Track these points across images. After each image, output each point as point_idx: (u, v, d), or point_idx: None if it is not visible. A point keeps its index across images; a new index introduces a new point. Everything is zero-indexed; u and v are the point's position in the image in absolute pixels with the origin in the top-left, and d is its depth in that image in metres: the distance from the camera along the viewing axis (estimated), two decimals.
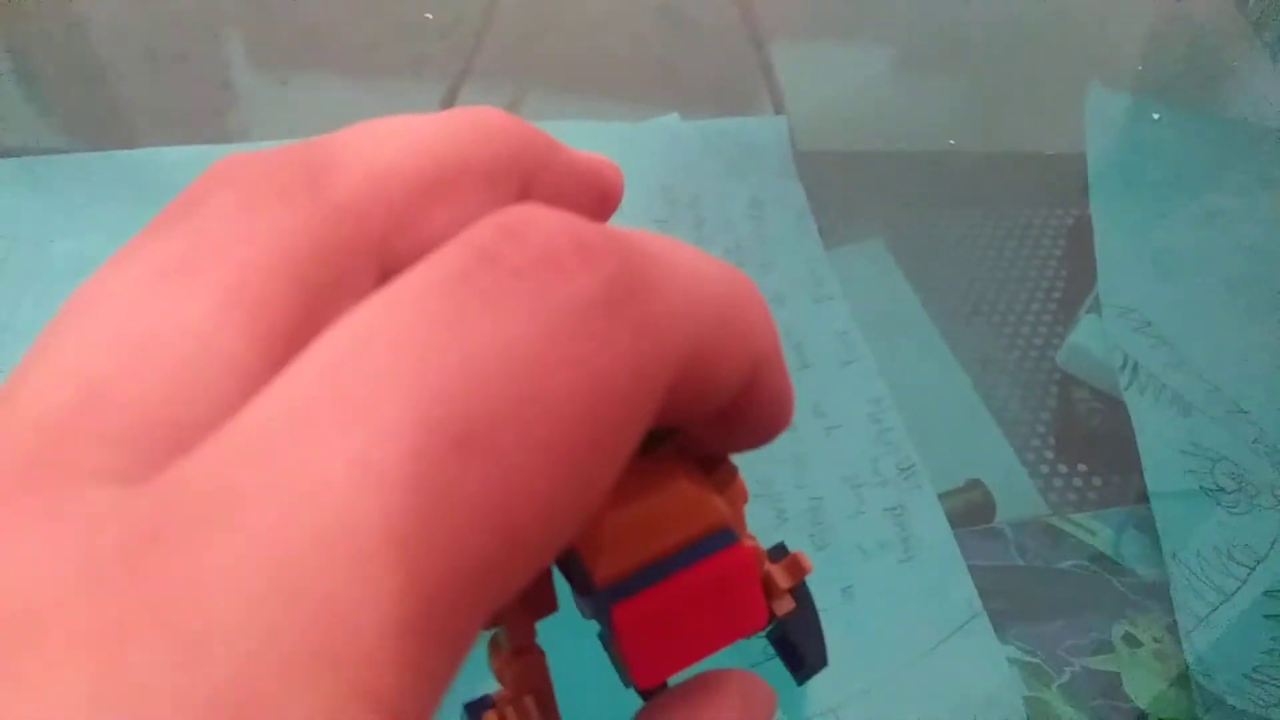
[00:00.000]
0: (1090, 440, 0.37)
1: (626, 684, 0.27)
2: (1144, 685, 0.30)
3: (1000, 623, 0.31)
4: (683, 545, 0.19)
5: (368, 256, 0.13)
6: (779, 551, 0.28)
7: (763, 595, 0.20)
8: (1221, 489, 0.34)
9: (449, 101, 0.45)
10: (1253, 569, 0.32)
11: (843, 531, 0.34)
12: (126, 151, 0.41)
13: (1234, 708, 0.29)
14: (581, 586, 0.21)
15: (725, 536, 0.19)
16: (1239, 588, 0.31)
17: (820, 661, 0.27)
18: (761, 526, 0.34)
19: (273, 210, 0.13)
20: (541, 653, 0.23)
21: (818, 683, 0.31)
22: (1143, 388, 0.37)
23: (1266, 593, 0.31)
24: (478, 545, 0.10)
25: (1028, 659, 0.30)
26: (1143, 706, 0.29)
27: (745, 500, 0.26)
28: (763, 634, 0.28)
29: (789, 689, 0.30)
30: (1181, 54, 0.48)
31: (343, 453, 0.10)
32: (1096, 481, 0.36)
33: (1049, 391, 0.38)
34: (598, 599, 0.19)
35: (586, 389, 0.11)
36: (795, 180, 0.43)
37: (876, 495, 0.34)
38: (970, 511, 0.35)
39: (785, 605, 0.26)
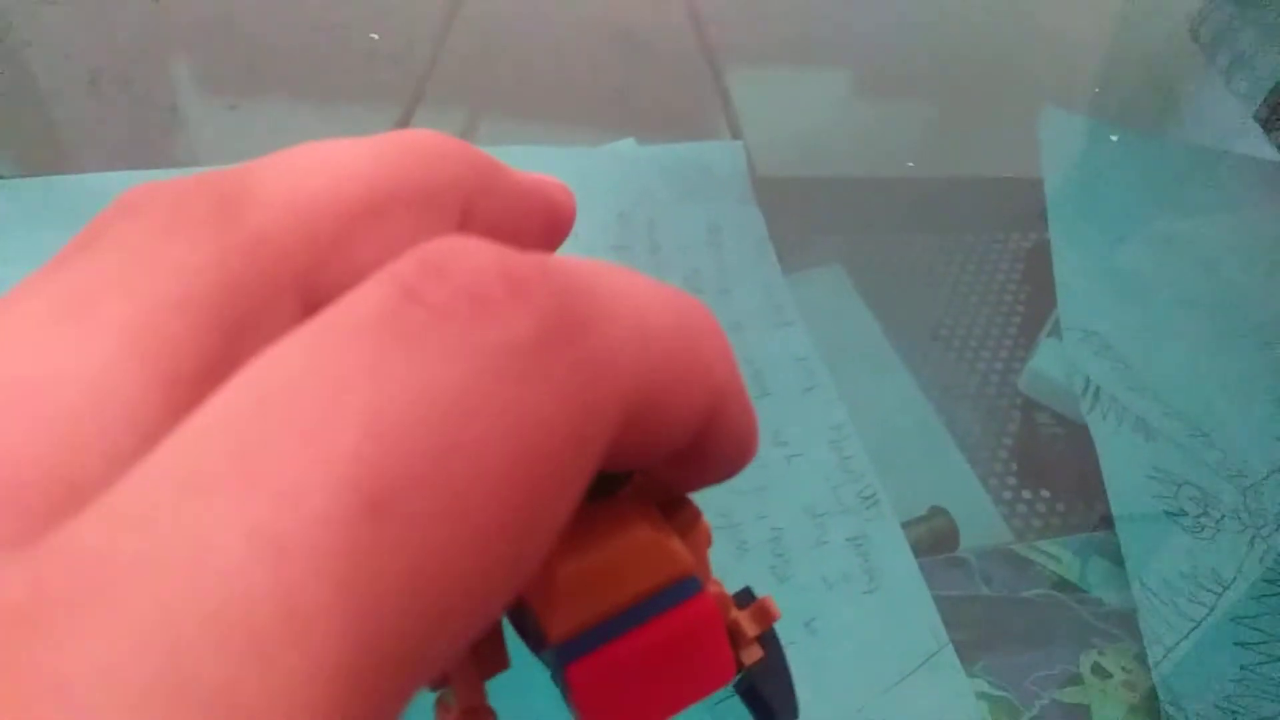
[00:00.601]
0: (1053, 465, 0.36)
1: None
2: (1113, 717, 0.29)
3: (967, 654, 0.30)
4: (643, 597, 0.18)
5: (286, 292, 0.12)
6: (745, 597, 0.27)
7: (729, 646, 0.19)
8: (1186, 513, 0.33)
9: (403, 125, 0.45)
10: (1220, 594, 0.31)
11: (805, 563, 0.33)
12: (66, 177, 0.40)
13: None
14: (534, 642, 0.20)
15: (688, 587, 0.18)
16: (1207, 615, 0.31)
17: (791, 713, 0.26)
18: (723, 559, 0.33)
19: (180, 243, 0.12)
20: (492, 713, 0.22)
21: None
22: (1105, 412, 0.36)
23: (1234, 619, 0.31)
24: (396, 621, 0.09)
25: (996, 692, 0.30)
26: None
27: (709, 544, 0.25)
28: (728, 685, 0.27)
29: None
30: (1136, 77, 0.49)
31: (239, 520, 0.09)
32: (1060, 507, 0.35)
33: (1011, 417, 0.38)
34: (552, 657, 0.18)
35: (516, 439, 0.10)
36: (753, 205, 0.42)
37: (839, 524, 0.34)
38: (934, 539, 0.34)
39: (753, 654, 0.25)
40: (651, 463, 0.15)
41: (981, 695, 0.30)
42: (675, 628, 0.18)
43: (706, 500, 0.34)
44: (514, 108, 0.47)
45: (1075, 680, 0.30)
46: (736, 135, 0.46)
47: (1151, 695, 0.29)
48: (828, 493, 0.34)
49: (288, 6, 0.49)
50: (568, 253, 0.41)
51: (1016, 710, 0.29)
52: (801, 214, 0.44)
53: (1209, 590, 0.32)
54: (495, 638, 0.21)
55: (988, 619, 0.31)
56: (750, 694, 0.26)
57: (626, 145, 0.44)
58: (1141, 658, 0.30)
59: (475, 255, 0.11)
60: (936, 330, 0.41)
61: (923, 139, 0.48)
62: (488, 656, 0.21)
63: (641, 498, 0.19)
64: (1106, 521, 0.34)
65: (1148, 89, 0.48)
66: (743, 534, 0.33)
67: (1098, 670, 0.30)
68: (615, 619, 0.18)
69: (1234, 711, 0.29)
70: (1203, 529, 0.33)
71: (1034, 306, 0.41)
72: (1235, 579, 0.32)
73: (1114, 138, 0.45)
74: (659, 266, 0.40)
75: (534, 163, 0.42)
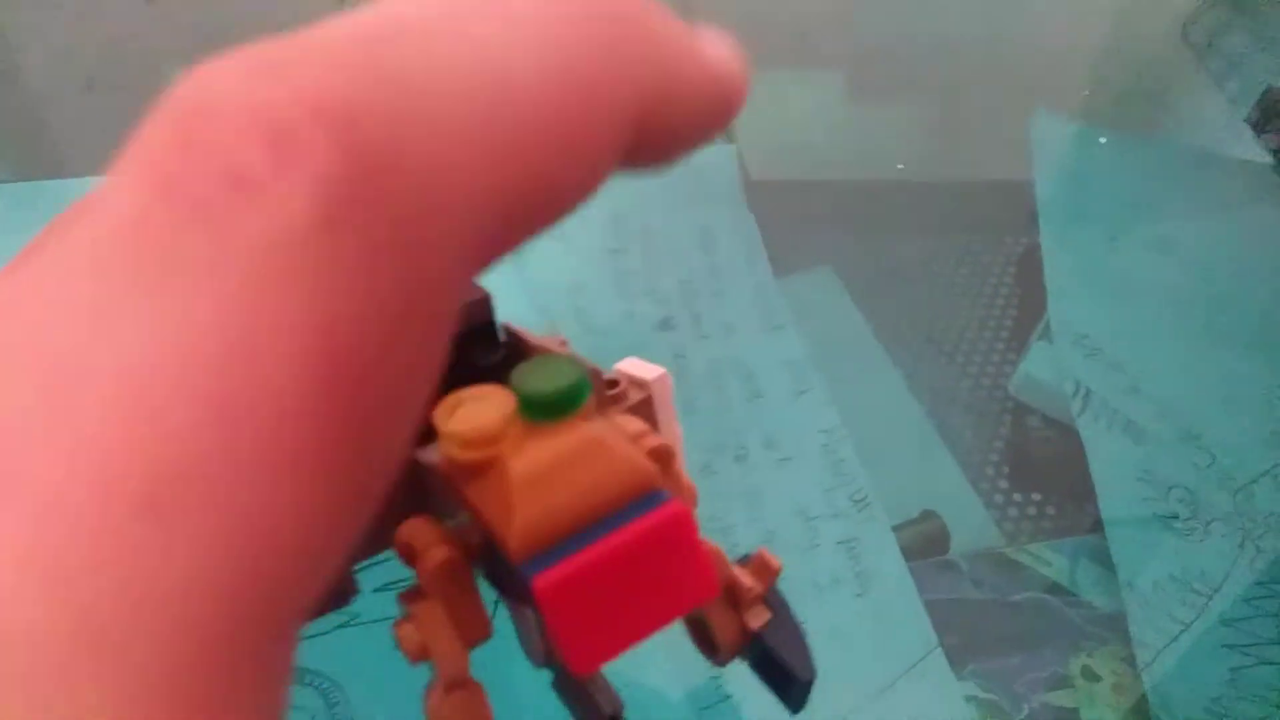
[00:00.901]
0: (1043, 468, 0.36)
1: (560, 691, 0.25)
2: (1103, 719, 0.29)
3: (956, 658, 0.30)
4: (608, 509, 0.17)
5: None
6: (743, 559, 0.27)
7: (709, 560, 0.18)
8: (1176, 516, 0.33)
9: None
10: (1210, 597, 0.32)
11: (796, 566, 0.33)
12: (61, 181, 0.40)
13: None
14: (503, 578, 0.19)
15: (656, 497, 0.17)
16: (1196, 618, 0.31)
17: (809, 674, 0.24)
18: None
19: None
20: (478, 686, 0.21)
21: None
22: (1095, 414, 0.36)
23: (1224, 621, 0.31)
24: (201, 617, 0.08)
25: (985, 696, 0.30)
26: None
27: (694, 500, 0.25)
28: (742, 659, 0.26)
29: None
30: (1127, 80, 0.49)
31: (5, 545, 0.07)
32: (1051, 510, 0.35)
33: (1002, 420, 0.38)
34: (518, 579, 0.17)
35: (315, 362, 0.08)
36: (746, 208, 0.42)
37: (830, 528, 0.34)
38: (925, 543, 0.34)
39: (759, 616, 0.24)
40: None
41: (970, 698, 0.30)
42: (644, 536, 0.17)
43: (697, 506, 0.34)
44: None
45: (1065, 683, 0.30)
46: (730, 139, 0.46)
47: (1141, 698, 0.30)
48: (819, 496, 0.35)
49: (283, 9, 0.49)
50: (558, 257, 0.41)
51: (1005, 714, 0.29)
52: (794, 217, 0.44)
53: (1198, 593, 0.32)
54: (474, 603, 0.20)
55: (977, 622, 0.31)
56: (764, 661, 0.24)
57: None
58: (1131, 661, 0.30)
59: (228, 111, 0.09)
60: (928, 333, 0.41)
61: (914, 142, 0.48)
62: (468, 623, 0.20)
63: (606, 414, 0.19)
64: (1097, 525, 0.34)
65: (1139, 92, 0.49)
66: (734, 537, 0.33)
67: (1087, 673, 0.30)
68: (580, 533, 0.17)
69: (1223, 714, 0.29)
70: (1192, 531, 0.33)
71: (1025, 310, 0.41)
72: (1225, 582, 0.32)
73: (1103, 140, 0.45)
74: (652, 269, 0.40)
75: None
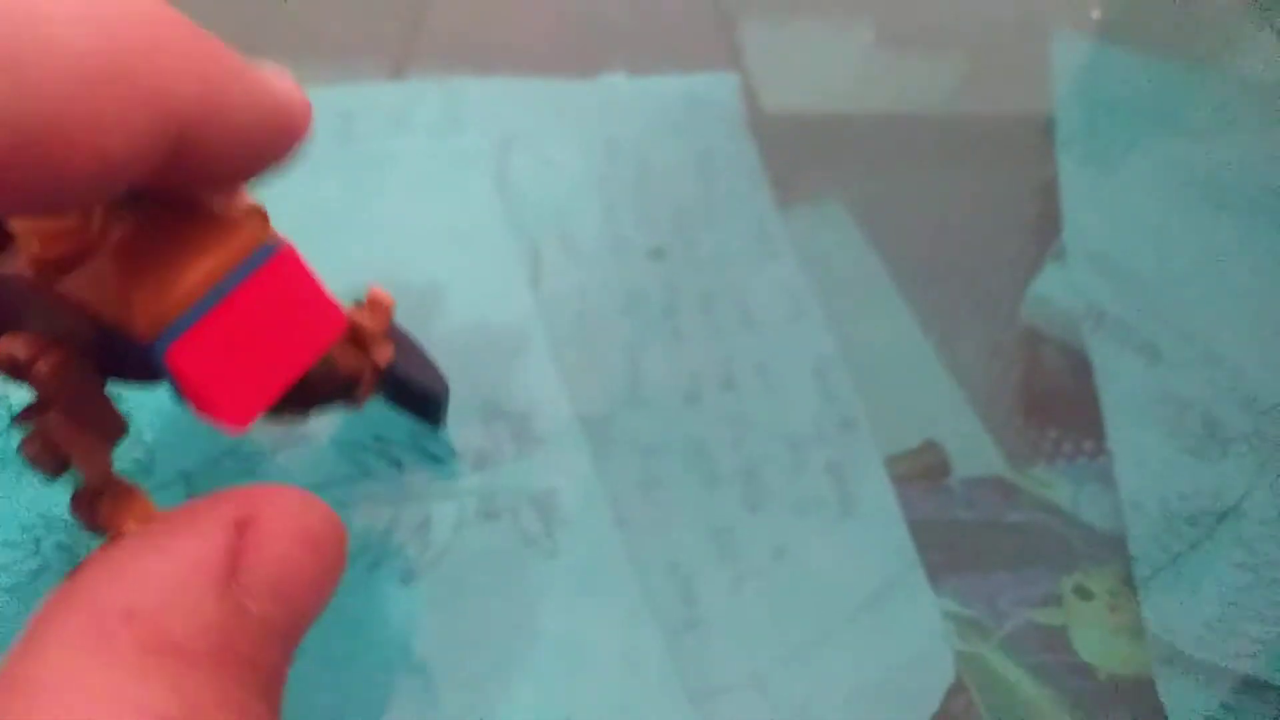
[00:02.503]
0: (1056, 399, 0.34)
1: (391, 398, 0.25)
2: (1093, 638, 0.27)
3: (937, 576, 0.28)
4: (220, 274, 0.17)
5: None
6: (356, 303, 0.25)
7: (327, 296, 0.19)
8: (1190, 435, 0.31)
9: (396, 72, 0.44)
10: (1222, 516, 0.29)
11: (779, 492, 0.31)
12: None
13: (1193, 658, 0.26)
14: (126, 366, 0.18)
15: (264, 252, 0.18)
16: (1204, 537, 0.29)
17: (441, 385, 0.26)
18: (693, 489, 0.31)
19: None
20: (131, 486, 0.20)
21: (738, 650, 0.28)
22: (1107, 335, 0.34)
23: (1236, 541, 0.29)
24: None
25: (964, 612, 0.28)
26: (1091, 660, 0.26)
27: (390, 311, 0.25)
28: (379, 398, 0.26)
29: (706, 660, 0.28)
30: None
31: None
32: (1066, 445, 0.33)
33: (1012, 350, 0.36)
34: (149, 359, 0.17)
35: None
36: (747, 137, 0.41)
37: (816, 452, 0.32)
38: (924, 472, 0.32)
39: (385, 352, 0.25)
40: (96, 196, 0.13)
41: (949, 615, 0.28)
42: (260, 286, 0.17)
43: (677, 428, 0.32)
44: (504, 47, 0.46)
45: (1054, 601, 0.28)
46: (737, 70, 0.44)
47: (1136, 617, 0.27)
48: (807, 421, 0.33)
49: (277, 9, 0.49)
50: (547, 184, 0.40)
51: (986, 630, 0.27)
52: (805, 150, 0.42)
53: (1209, 512, 0.29)
54: (103, 400, 0.20)
55: (964, 542, 0.29)
56: (398, 388, 0.26)
57: (617, 78, 0.42)
58: (1128, 581, 0.28)
59: None
60: (937, 265, 0.38)
61: (932, 77, 0.46)
62: (102, 422, 0.20)
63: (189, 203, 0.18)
64: (1100, 454, 0.32)
65: (1155, 7, 0.46)
66: (715, 464, 0.32)
67: (1079, 591, 0.28)
68: (200, 301, 0.17)
69: (1228, 633, 0.27)
70: (1208, 452, 0.31)
71: (1040, 242, 0.39)
72: (1242, 501, 0.29)
73: (1126, 58, 0.43)
74: (647, 196, 0.38)
75: (520, 95, 0.41)
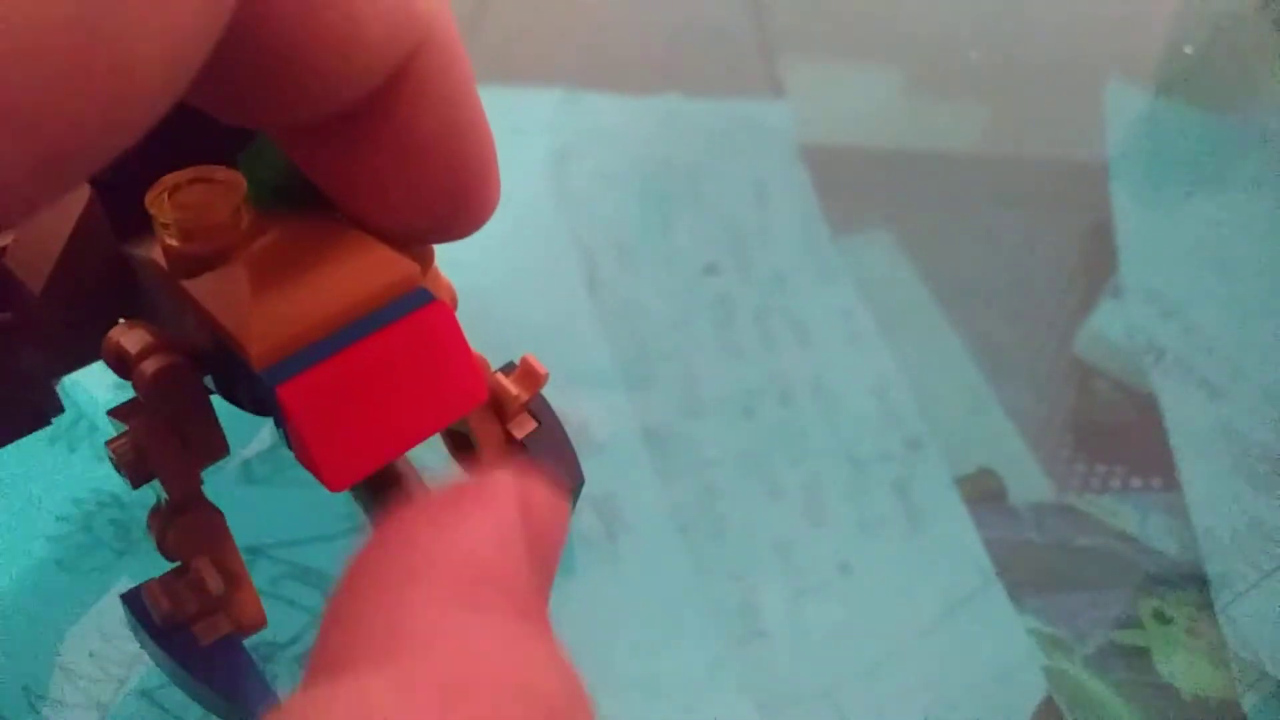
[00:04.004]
0: (1110, 435, 0.34)
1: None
2: (1176, 660, 0.27)
3: (1016, 594, 0.28)
4: (361, 310, 0.15)
5: None
6: (508, 367, 0.23)
7: (476, 363, 0.17)
8: (1255, 470, 0.31)
9: None
10: None
11: (841, 508, 0.31)
12: None
13: (1278, 680, 0.26)
14: (240, 389, 0.17)
15: (417, 297, 0.16)
16: (1277, 567, 0.28)
17: (576, 478, 0.23)
18: (752, 503, 0.31)
19: None
20: (215, 509, 0.19)
21: (809, 663, 0.28)
22: (1169, 370, 0.34)
23: None
24: None
25: (1048, 630, 0.27)
26: (1175, 682, 0.26)
27: (454, 300, 0.22)
28: None
29: (767, 674, 0.27)
30: (1201, 52, 0.47)
31: None
32: (1115, 482, 0.33)
33: (1066, 384, 0.36)
34: (259, 388, 0.15)
35: None
36: (800, 165, 0.41)
37: (879, 470, 0.32)
38: (981, 497, 0.32)
39: (525, 426, 0.22)
40: (318, 118, 0.12)
41: (1032, 632, 0.27)
42: (401, 335, 0.15)
43: (735, 445, 0.32)
44: (559, 61, 0.46)
45: (1134, 623, 0.27)
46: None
47: (1217, 641, 0.27)
48: (869, 438, 0.32)
49: None
50: (604, 195, 0.39)
51: (1070, 649, 0.27)
52: (851, 183, 0.42)
53: (1278, 542, 0.29)
54: (204, 416, 0.18)
55: (1039, 563, 0.29)
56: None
57: (673, 98, 0.42)
58: (1206, 607, 0.28)
59: None
60: (989, 298, 0.38)
61: (981, 118, 0.46)
62: (198, 438, 0.18)
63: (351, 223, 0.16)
64: (1167, 484, 0.31)
65: (1213, 61, 0.47)
66: (776, 478, 0.31)
67: (1158, 615, 0.28)
68: (329, 338, 0.15)
69: None
70: (1273, 485, 0.31)
71: (1092, 280, 0.39)
72: None
73: (1180, 110, 0.43)
74: (701, 216, 0.38)
75: (576, 110, 0.41)
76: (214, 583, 0.18)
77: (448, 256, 0.35)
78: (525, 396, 0.22)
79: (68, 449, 0.29)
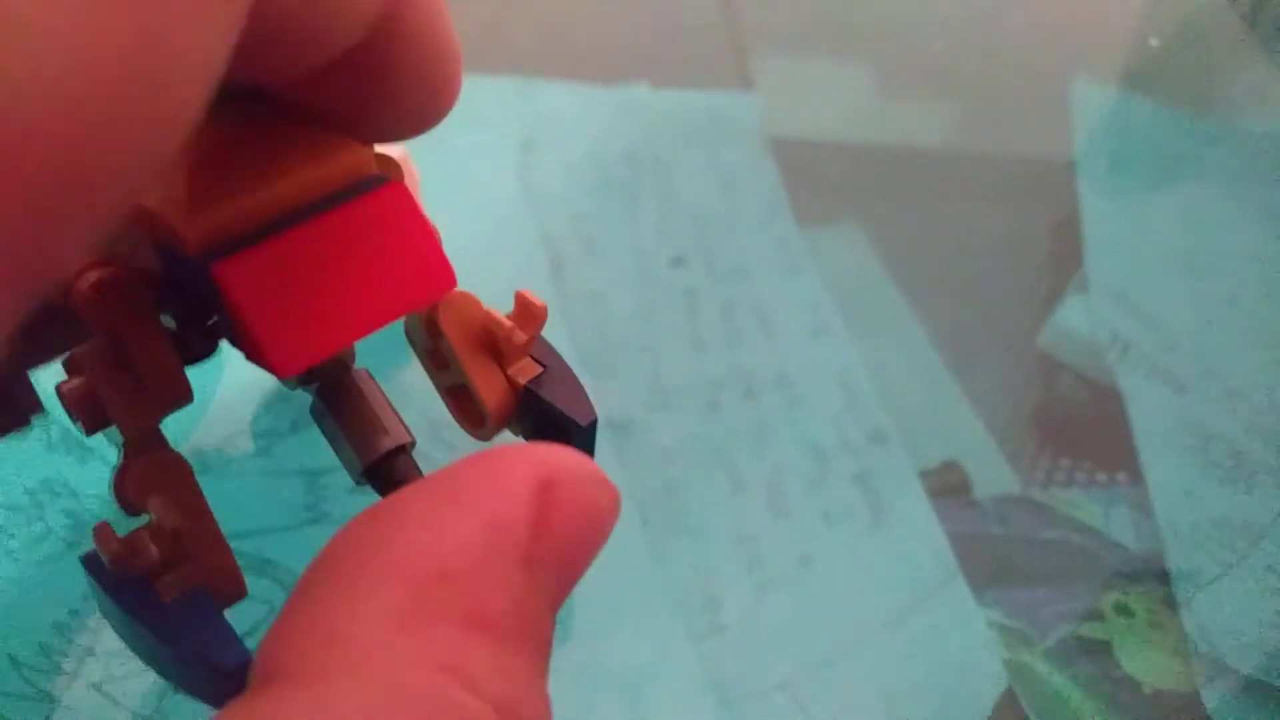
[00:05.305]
0: (1074, 429, 0.34)
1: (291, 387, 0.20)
2: (1137, 653, 0.27)
3: (978, 587, 0.28)
4: (309, 195, 0.14)
5: None
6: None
7: (440, 249, 0.15)
8: (1217, 464, 0.31)
9: None
10: (1253, 543, 0.29)
11: (804, 501, 0.31)
12: None
13: (1239, 674, 0.26)
14: (192, 300, 0.15)
15: (370, 182, 0.15)
16: (1238, 561, 0.29)
17: (589, 415, 0.20)
18: (715, 496, 0.31)
19: None
20: (177, 455, 0.18)
21: (770, 656, 0.27)
22: (1133, 365, 0.34)
23: (1269, 568, 0.28)
24: None
25: (1010, 623, 0.27)
26: (1136, 675, 0.26)
27: (416, 185, 0.21)
28: (513, 430, 0.21)
29: (749, 661, 0.27)
30: (1169, 47, 0.47)
31: None
32: (1080, 475, 0.33)
33: (1030, 377, 0.36)
34: (200, 279, 0.14)
35: None
36: (768, 158, 0.41)
37: (843, 463, 0.31)
38: (945, 490, 0.32)
39: (529, 371, 0.20)
40: (319, 61, 0.12)
41: (994, 624, 0.27)
42: (353, 218, 0.14)
43: (700, 440, 0.31)
44: (527, 51, 0.45)
45: (1096, 616, 0.27)
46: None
47: (1179, 635, 0.27)
48: (833, 431, 0.32)
49: None
50: (574, 194, 0.39)
51: (1032, 641, 0.27)
52: (818, 176, 0.42)
53: (1241, 537, 0.29)
54: (157, 346, 0.16)
55: (1001, 556, 0.29)
56: (539, 416, 0.20)
57: (640, 90, 0.42)
58: (1169, 601, 0.28)
59: None
60: (955, 292, 0.38)
61: (949, 113, 0.46)
62: (154, 372, 0.17)
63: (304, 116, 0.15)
64: (1130, 479, 0.31)
65: (1180, 58, 0.47)
66: (739, 471, 0.31)
67: (1120, 608, 0.28)
68: (271, 219, 0.14)
69: (1270, 653, 0.26)
70: (1236, 481, 0.31)
71: (1058, 276, 0.39)
72: (1270, 530, 0.29)
73: (1146, 107, 0.43)
74: (667, 208, 0.38)
75: (541, 99, 0.41)
76: (170, 518, 0.17)
77: None
78: (525, 337, 0.19)
79: (18, 436, 0.28)
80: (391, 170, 0.16)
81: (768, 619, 0.28)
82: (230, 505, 0.27)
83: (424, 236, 0.15)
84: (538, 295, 0.19)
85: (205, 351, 0.17)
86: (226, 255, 0.13)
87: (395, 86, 0.14)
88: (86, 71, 0.08)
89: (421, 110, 0.15)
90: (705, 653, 0.27)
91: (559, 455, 0.14)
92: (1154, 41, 0.47)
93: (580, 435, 0.19)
